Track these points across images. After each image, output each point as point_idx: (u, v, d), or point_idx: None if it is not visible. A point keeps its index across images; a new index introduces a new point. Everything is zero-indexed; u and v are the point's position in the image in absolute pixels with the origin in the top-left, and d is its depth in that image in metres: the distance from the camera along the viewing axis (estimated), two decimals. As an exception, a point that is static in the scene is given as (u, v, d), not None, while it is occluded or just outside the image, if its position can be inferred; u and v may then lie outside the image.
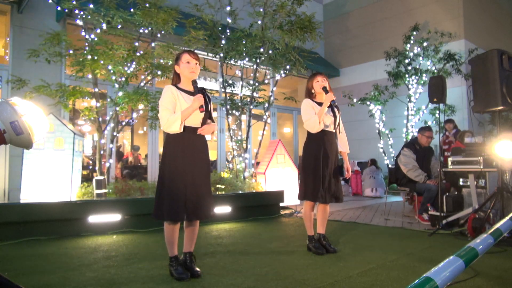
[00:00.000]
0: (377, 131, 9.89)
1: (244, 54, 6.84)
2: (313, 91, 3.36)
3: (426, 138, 5.22)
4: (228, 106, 7.09)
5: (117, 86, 5.61)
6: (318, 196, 3.21)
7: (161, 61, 5.96)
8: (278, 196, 5.78)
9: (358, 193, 8.88)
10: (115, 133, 5.96)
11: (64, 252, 3.28)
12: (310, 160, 3.28)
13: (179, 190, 2.49)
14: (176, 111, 2.52)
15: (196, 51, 6.49)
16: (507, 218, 1.77)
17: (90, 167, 8.30)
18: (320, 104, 3.28)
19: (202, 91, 2.61)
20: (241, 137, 7.13)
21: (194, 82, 2.56)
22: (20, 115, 1.52)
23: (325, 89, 3.26)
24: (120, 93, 5.52)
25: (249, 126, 7.21)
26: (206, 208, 2.59)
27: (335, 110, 3.36)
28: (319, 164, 3.23)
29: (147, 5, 5.60)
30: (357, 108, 10.08)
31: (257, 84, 7.07)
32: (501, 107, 3.74)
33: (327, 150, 3.25)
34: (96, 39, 5.39)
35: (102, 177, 5.28)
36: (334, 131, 3.36)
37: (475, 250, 1.35)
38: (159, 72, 5.92)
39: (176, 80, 2.67)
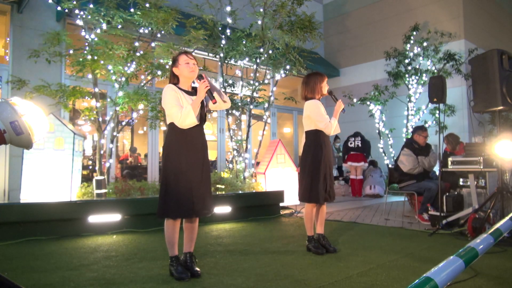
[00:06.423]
0: (377, 131, 9.89)
1: (244, 54, 6.84)
2: (321, 93, 3.38)
3: (423, 138, 5.28)
4: (228, 106, 7.07)
5: (117, 86, 5.61)
6: (322, 198, 3.26)
7: (161, 61, 5.96)
8: (278, 196, 5.77)
9: (358, 193, 8.90)
10: (115, 133, 5.96)
11: (64, 252, 3.28)
12: (315, 163, 3.28)
13: (185, 187, 2.51)
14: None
15: (196, 51, 6.52)
16: (507, 218, 1.77)
17: (90, 167, 8.30)
18: None
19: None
20: (241, 137, 7.13)
21: (199, 77, 2.54)
22: (20, 115, 1.51)
23: (333, 95, 3.36)
24: (120, 93, 5.52)
25: (249, 126, 7.20)
26: (209, 205, 2.62)
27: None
28: (323, 166, 3.27)
29: (147, 5, 5.60)
30: (357, 108, 10.07)
31: (257, 84, 7.07)
32: (501, 107, 3.75)
33: (327, 152, 3.32)
34: (96, 39, 5.39)
35: (102, 177, 5.28)
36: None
37: (475, 250, 1.35)
38: (159, 72, 5.92)
39: (174, 81, 2.68)
